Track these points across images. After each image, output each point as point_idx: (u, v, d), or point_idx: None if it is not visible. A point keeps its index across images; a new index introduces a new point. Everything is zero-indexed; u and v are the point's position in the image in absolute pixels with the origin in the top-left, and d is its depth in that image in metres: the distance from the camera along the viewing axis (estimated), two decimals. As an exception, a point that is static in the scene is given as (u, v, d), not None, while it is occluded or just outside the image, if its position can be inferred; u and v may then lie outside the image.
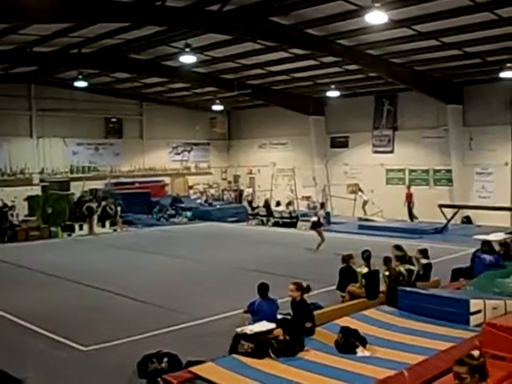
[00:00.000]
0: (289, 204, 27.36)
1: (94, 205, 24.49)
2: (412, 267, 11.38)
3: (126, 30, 17.91)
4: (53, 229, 23.30)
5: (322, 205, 20.87)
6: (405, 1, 14.93)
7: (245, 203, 31.31)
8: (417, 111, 26.06)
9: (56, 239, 22.68)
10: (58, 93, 27.50)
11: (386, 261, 11.21)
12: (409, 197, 25.56)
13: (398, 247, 12.16)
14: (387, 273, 10.97)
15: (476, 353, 4.84)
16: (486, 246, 11.92)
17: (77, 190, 27.40)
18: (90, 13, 14.55)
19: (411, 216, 25.24)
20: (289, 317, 8.66)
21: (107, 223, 25.18)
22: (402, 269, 11.05)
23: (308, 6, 15.75)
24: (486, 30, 17.11)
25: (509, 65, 19.94)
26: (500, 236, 15.38)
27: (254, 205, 30.00)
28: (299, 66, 23.00)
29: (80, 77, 23.46)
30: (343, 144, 29.63)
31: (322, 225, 19.48)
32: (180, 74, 24.24)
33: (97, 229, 24.34)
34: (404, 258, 11.56)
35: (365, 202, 27.30)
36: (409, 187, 25.93)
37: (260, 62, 22.53)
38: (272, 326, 8.19)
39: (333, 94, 26.22)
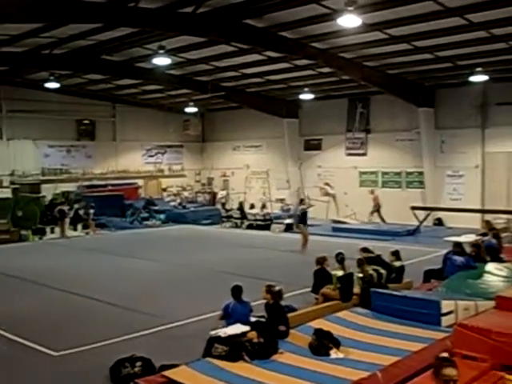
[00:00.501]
0: (263, 207, 27.41)
1: (65, 208, 24.19)
2: (380, 269, 11.52)
3: (99, 31, 17.72)
4: (23, 232, 22.94)
5: (302, 200, 20.59)
6: (377, 5, 15.05)
7: (219, 206, 31.27)
8: (389, 114, 26.31)
9: (27, 243, 22.33)
10: (29, 94, 27.05)
11: (360, 263, 11.30)
12: (374, 200, 25.69)
13: (364, 249, 12.33)
14: (361, 275, 11.06)
15: (446, 354, 4.87)
16: (457, 247, 12.06)
17: (48, 192, 27.04)
18: (61, 13, 14.35)
19: (382, 218, 25.40)
20: (263, 319, 8.65)
21: (79, 226, 24.92)
22: (369, 270, 11.23)
23: (282, 8, 15.77)
24: (456, 34, 17.35)
25: (479, 69, 20.25)
26: (471, 238, 15.61)
27: (228, 207, 29.97)
28: (273, 68, 23.04)
29: (52, 78, 23.17)
30: (317, 147, 29.76)
31: (306, 222, 19.39)
32: (154, 76, 24.09)
33: (69, 232, 24.06)
34: (371, 260, 11.70)
35: (333, 196, 27.42)
36: (372, 192, 26.09)
37: (234, 65, 22.51)
38: (246, 328, 8.17)
39: (306, 96, 26.33)
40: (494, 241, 13.56)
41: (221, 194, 32.43)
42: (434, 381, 4.59)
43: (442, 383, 4.51)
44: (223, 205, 30.74)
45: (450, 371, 4.50)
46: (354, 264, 11.34)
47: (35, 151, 28.44)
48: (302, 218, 19.30)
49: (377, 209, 25.54)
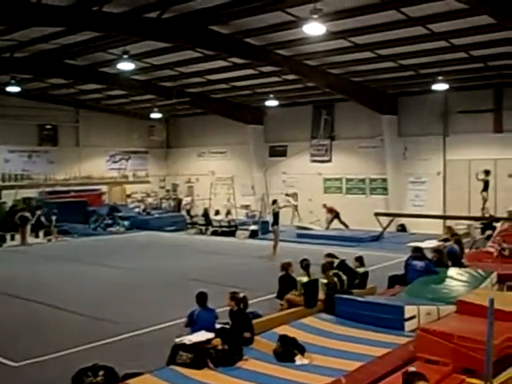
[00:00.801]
0: (228, 213, 27.37)
1: (27, 214, 23.72)
2: (342, 275, 11.64)
3: (62, 34, 17.47)
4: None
5: (274, 201, 20.31)
6: (342, 13, 15.22)
7: (183, 212, 31.10)
8: (353, 121, 26.60)
9: (-14, 250, 21.85)
10: (-11, 98, 26.55)
11: (324, 268, 11.37)
12: (329, 211, 25.84)
13: (329, 255, 12.46)
14: (325, 281, 11.12)
15: (414, 368, 4.91)
16: (417, 252, 12.22)
17: (9, 198, 26.53)
18: (23, 16, 14.11)
19: (344, 223, 25.56)
20: (227, 326, 8.61)
21: (41, 233, 24.47)
22: (332, 276, 11.36)
23: (247, 15, 15.81)
24: (418, 43, 17.69)
25: (440, 77, 20.65)
26: (433, 243, 15.88)
27: (193, 213, 29.84)
28: (238, 75, 23.08)
29: (12, 82, 22.72)
30: (282, 153, 29.89)
31: (278, 223, 19.36)
32: (118, 81, 23.87)
33: (30, 239, 23.61)
34: (332, 266, 11.82)
35: (295, 206, 27.57)
36: (324, 206, 26.17)
37: (199, 71, 22.45)
38: (211, 335, 8.11)
39: (272, 103, 26.41)
40: (455, 246, 13.80)
41: (186, 200, 32.27)
42: None
43: None
44: (188, 211, 30.60)
45: None
46: (319, 270, 11.40)
47: (-4, 156, 27.84)
48: (275, 218, 19.31)
49: (333, 217, 25.67)
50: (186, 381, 7.09)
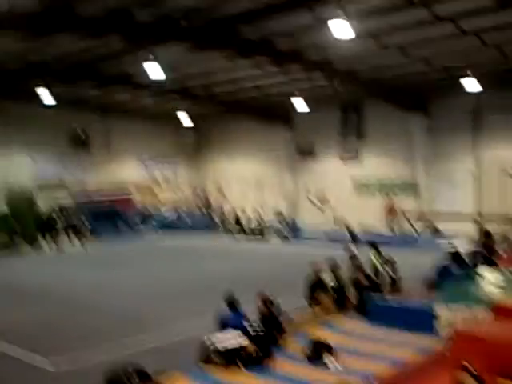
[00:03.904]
0: (260, 217, 27.34)
1: (61, 221, 24.10)
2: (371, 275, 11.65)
3: (95, 45, 17.73)
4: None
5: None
6: (371, 14, 15.08)
7: (215, 217, 31.22)
8: (383, 121, 26.30)
9: (23, 256, 22.24)
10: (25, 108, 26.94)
11: (352, 270, 11.32)
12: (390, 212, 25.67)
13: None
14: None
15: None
16: (453, 255, 12.06)
17: (44, 205, 26.94)
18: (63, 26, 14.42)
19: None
20: (258, 329, 8.60)
21: (75, 239, 24.80)
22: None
23: (276, 18, 15.74)
24: (450, 42, 17.42)
25: (472, 77, 20.31)
26: (467, 245, 15.60)
27: (226, 218, 29.89)
28: (269, 82, 23.30)
29: (46, 90, 23.08)
30: (311, 155, 29.75)
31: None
32: (148, 87, 24.04)
33: (64, 245, 23.97)
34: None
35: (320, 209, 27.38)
36: (389, 197, 26.12)
37: (231, 78, 22.65)
38: (243, 341, 8.11)
39: (301, 106, 26.24)
40: (491, 249, 13.58)
41: (225, 206, 32.13)
42: None
43: None
44: (221, 216, 30.46)
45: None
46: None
47: (31, 164, 28.27)
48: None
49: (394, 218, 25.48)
50: (216, 381, 7.12)
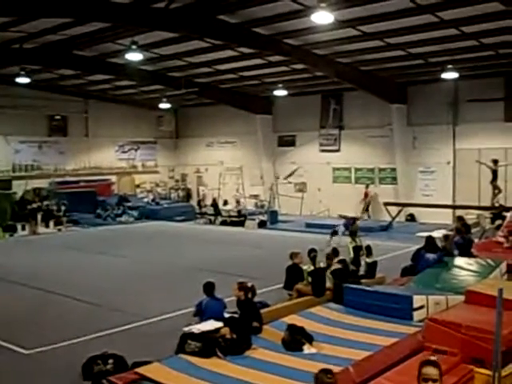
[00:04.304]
0: (238, 202, 27.38)
1: (37, 204, 23.86)
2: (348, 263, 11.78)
3: (70, 25, 17.49)
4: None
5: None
6: (350, 1, 15.12)
7: (193, 202, 31.15)
8: (362, 110, 26.47)
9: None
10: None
11: (328, 257, 11.39)
12: (366, 196, 25.97)
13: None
14: (330, 269, 11.16)
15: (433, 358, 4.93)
16: (430, 243, 12.16)
17: (19, 189, 26.67)
18: (31, 7, 14.13)
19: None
20: (236, 315, 8.64)
21: (51, 223, 24.60)
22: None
23: (255, 4, 15.76)
24: (428, 31, 17.52)
25: (450, 66, 20.49)
26: (442, 233, 15.80)
27: (203, 204, 29.87)
28: (247, 64, 23.00)
29: (22, 73, 22.72)
30: (290, 143, 29.84)
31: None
32: (126, 72, 23.81)
33: (40, 229, 23.76)
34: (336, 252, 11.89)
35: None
36: (367, 186, 26.34)
37: (208, 61, 22.45)
38: (219, 324, 8.15)
39: (280, 92, 26.36)
40: (466, 236, 13.74)
41: (202, 189, 32.12)
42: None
43: (421, 382, 4.58)
44: (199, 201, 30.54)
45: (427, 370, 4.59)
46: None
47: (6, 147, 27.97)
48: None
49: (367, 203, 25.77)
50: (194, 369, 7.14)
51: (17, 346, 8.97)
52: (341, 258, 11.97)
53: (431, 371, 4.57)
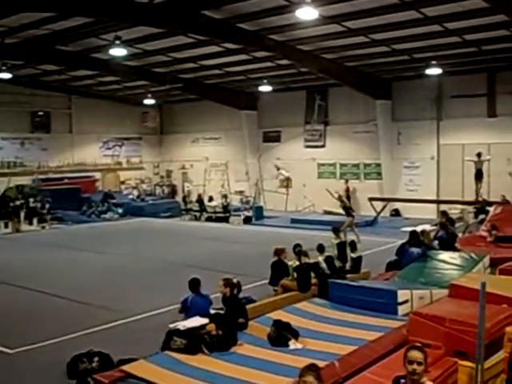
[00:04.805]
0: (224, 196, 27.32)
1: (20, 201, 23.64)
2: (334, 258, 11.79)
3: (53, 20, 17.30)
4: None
5: (341, 199, 20.19)
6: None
7: (178, 198, 31.06)
8: (347, 106, 26.54)
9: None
10: (-20, 85, 26.33)
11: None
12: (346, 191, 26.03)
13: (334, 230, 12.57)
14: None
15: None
16: (414, 237, 12.24)
17: (1, 186, 26.41)
18: (12, 1, 13.97)
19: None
20: (222, 312, 8.64)
21: (35, 220, 24.40)
22: (320, 259, 11.50)
23: (240, 0, 15.71)
24: (412, 28, 17.61)
25: (434, 62, 20.61)
26: (426, 228, 15.92)
27: (188, 200, 29.80)
28: (232, 60, 22.94)
29: (4, 68, 22.49)
30: (276, 138, 29.84)
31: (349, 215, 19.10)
32: (110, 67, 23.64)
33: (24, 226, 23.56)
34: (321, 248, 11.91)
35: (287, 179, 27.81)
36: (346, 181, 26.43)
37: (192, 56, 22.34)
38: (205, 321, 8.15)
39: (265, 88, 26.32)
40: (450, 230, 13.85)
41: (187, 185, 32.04)
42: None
43: (406, 367, 4.76)
44: (184, 197, 30.45)
45: (413, 353, 4.78)
46: (312, 255, 11.49)
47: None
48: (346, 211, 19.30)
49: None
50: (180, 366, 7.13)
51: (1, 346, 8.89)
52: (327, 254, 12.02)
53: (416, 355, 4.76)
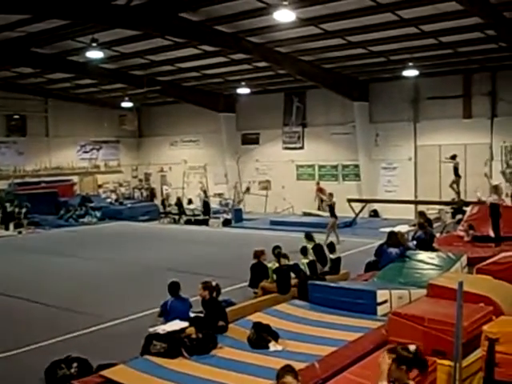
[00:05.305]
0: (204, 192, 27.25)
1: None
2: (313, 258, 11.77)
3: (28, 22, 17.11)
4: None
5: (331, 194, 20.06)
6: (311, 0, 15.21)
7: (157, 201, 30.90)
8: (325, 108, 26.67)
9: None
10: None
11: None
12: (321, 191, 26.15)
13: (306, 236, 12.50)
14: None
15: (412, 347, 5.00)
16: (392, 238, 12.31)
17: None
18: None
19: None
20: (201, 315, 8.61)
21: (11, 225, 24.09)
22: (304, 261, 11.48)
23: (217, 2, 15.73)
24: (388, 30, 17.77)
25: (410, 64, 20.80)
26: (405, 228, 16.06)
27: (167, 203, 29.67)
28: (209, 62, 22.92)
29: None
30: (254, 141, 29.86)
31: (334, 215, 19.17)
32: (87, 70, 23.49)
33: (0, 232, 23.25)
34: (305, 251, 11.87)
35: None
36: (318, 183, 26.56)
37: (170, 59, 22.27)
38: (184, 324, 8.11)
39: (243, 90, 26.35)
40: (428, 230, 13.96)
41: (165, 188, 31.90)
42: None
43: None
44: (162, 200, 30.29)
45: (386, 354, 4.76)
46: (292, 257, 11.49)
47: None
48: (331, 210, 19.38)
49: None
50: (160, 370, 7.08)
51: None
52: (311, 258, 11.98)
53: (386, 356, 4.75)
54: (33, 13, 15.73)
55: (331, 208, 19.33)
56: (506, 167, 22.24)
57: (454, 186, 20.50)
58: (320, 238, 14.50)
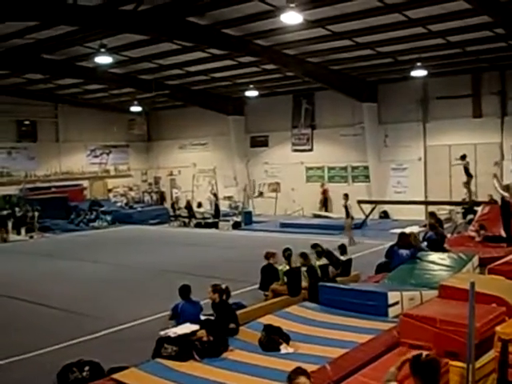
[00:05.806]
0: (215, 195, 27.31)
1: (7, 211, 23.46)
2: (326, 262, 11.69)
3: (37, 29, 17.24)
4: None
5: (346, 195, 20.20)
6: (318, 1, 15.20)
7: (167, 205, 30.98)
8: (334, 110, 26.63)
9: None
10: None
11: (302, 257, 11.36)
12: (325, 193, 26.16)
13: (314, 245, 12.41)
14: (304, 268, 11.13)
15: (424, 354, 4.94)
16: (403, 239, 12.25)
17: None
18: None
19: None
20: (212, 318, 8.61)
21: (23, 230, 24.22)
22: (316, 264, 11.42)
23: (224, 6, 15.75)
24: (396, 30, 17.72)
25: (419, 64, 20.73)
26: (415, 229, 15.99)
27: (177, 206, 29.74)
28: (217, 66, 22.97)
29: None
30: (263, 143, 29.86)
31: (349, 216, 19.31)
32: (96, 75, 23.61)
33: (12, 236, 23.37)
34: (320, 254, 11.81)
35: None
36: (322, 185, 26.52)
37: (178, 63, 22.34)
38: (195, 327, 8.11)
39: (252, 93, 26.38)
40: (439, 231, 13.90)
41: (175, 192, 31.99)
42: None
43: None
44: (172, 204, 30.37)
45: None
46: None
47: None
48: (347, 212, 19.55)
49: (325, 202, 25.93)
50: (171, 373, 7.08)
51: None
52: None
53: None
54: (41, 20, 15.83)
55: (346, 209, 19.34)
56: (517, 166, 22.10)
57: (468, 185, 20.39)
58: (322, 239, 14.39)
